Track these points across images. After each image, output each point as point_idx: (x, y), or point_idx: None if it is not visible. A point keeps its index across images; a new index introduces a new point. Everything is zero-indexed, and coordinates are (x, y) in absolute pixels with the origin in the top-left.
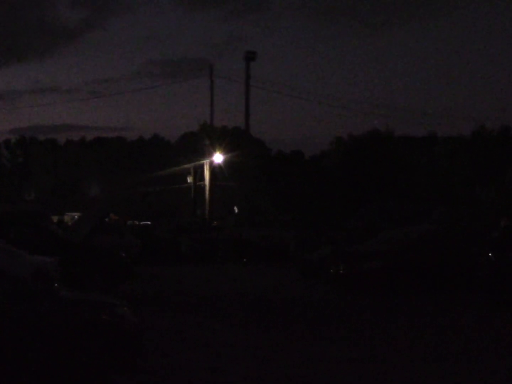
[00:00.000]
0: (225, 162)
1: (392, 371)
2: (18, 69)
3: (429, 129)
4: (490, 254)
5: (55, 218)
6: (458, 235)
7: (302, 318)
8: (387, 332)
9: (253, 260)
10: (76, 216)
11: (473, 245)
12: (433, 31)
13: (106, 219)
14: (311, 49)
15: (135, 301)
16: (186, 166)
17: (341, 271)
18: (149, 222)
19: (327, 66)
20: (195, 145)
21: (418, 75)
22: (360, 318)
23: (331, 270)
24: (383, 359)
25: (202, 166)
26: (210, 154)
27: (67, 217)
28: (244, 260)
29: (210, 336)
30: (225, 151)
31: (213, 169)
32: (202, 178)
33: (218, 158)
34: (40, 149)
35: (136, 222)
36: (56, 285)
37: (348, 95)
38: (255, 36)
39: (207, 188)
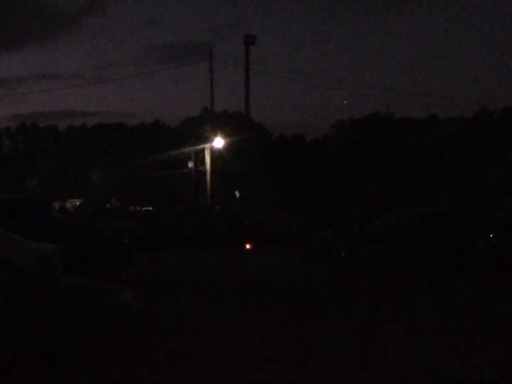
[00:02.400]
0: (226, 146)
1: (391, 353)
2: (19, 55)
3: (430, 111)
4: (491, 236)
5: (57, 205)
6: (460, 217)
7: (303, 301)
8: (387, 314)
9: (255, 244)
10: (77, 203)
11: (475, 227)
12: (433, 13)
13: (107, 205)
14: (311, 31)
15: (137, 286)
16: (187, 150)
17: (342, 254)
18: (150, 208)
19: (327, 49)
20: (196, 130)
21: (418, 57)
22: (360, 301)
23: (333, 253)
24: (382, 341)
25: (203, 151)
26: (211, 139)
27: (69, 204)
28: (247, 246)
29: (211, 319)
30: (226, 135)
31: (214, 153)
32: (203, 163)
33: (219, 142)
34: (42, 136)
35: (138, 208)
36: (58, 271)
37: (348, 78)
38: (255, 19)
39: (208, 173)
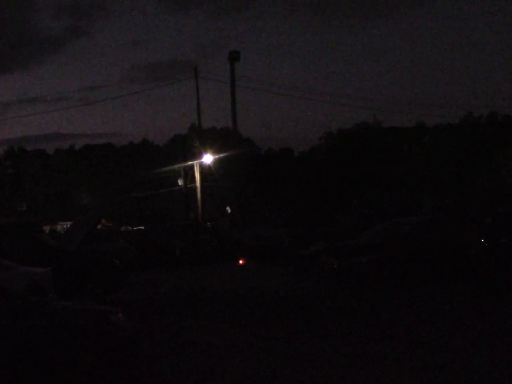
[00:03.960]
0: (216, 163)
1: (388, 364)
2: (4, 80)
3: (417, 119)
4: (483, 241)
5: (47, 228)
6: (451, 225)
7: (298, 315)
8: (382, 325)
9: (247, 259)
10: (68, 225)
11: (466, 233)
12: (417, 22)
13: (99, 226)
14: (295, 45)
15: (131, 307)
16: (176, 168)
17: (335, 266)
18: (142, 227)
19: (312, 62)
20: (184, 147)
21: (403, 66)
22: (355, 313)
23: (325, 265)
24: (379, 352)
25: (192, 168)
26: (200, 156)
27: (59, 227)
28: (240, 261)
29: (207, 337)
30: (214, 152)
31: (204, 170)
32: (193, 180)
33: (208, 159)
34: (30, 160)
35: (130, 228)
36: (50, 296)
37: (335, 89)
38: (241, 35)
39: (198, 189)
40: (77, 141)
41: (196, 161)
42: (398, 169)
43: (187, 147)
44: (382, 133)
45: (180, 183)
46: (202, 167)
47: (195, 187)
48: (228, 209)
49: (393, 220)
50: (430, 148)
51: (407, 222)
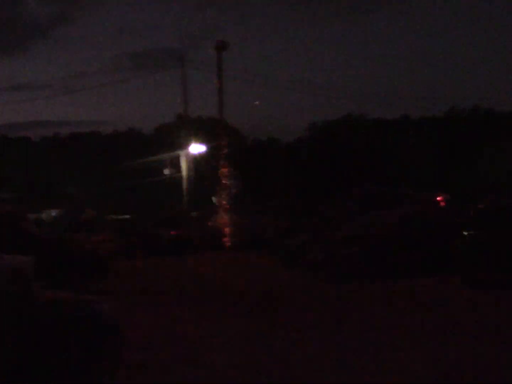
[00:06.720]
0: (202, 152)
1: (374, 355)
2: None
3: (401, 112)
4: (465, 233)
5: (32, 217)
6: (437, 217)
7: (287, 306)
8: (367, 316)
9: (233, 249)
10: (53, 213)
11: (449, 226)
12: (401, 13)
13: (83, 215)
14: (285, 36)
15: (114, 296)
16: (163, 158)
17: (320, 258)
18: (128, 216)
19: (300, 52)
20: (171, 136)
21: (389, 58)
22: (339, 304)
23: (311, 256)
24: (364, 343)
25: (179, 157)
26: (186, 145)
27: (44, 214)
28: (226, 248)
29: (192, 328)
30: (201, 141)
31: (190, 159)
32: (179, 169)
33: (194, 148)
34: (14, 147)
35: (115, 217)
36: (32, 284)
37: (322, 80)
38: (229, 25)
39: (184, 179)
40: (62, 129)
41: (183, 151)
42: (382, 161)
43: (173, 136)
44: (367, 125)
45: (166, 173)
46: (189, 156)
47: (181, 176)
48: (214, 199)
49: (379, 212)
50: (414, 140)
51: (393, 214)
